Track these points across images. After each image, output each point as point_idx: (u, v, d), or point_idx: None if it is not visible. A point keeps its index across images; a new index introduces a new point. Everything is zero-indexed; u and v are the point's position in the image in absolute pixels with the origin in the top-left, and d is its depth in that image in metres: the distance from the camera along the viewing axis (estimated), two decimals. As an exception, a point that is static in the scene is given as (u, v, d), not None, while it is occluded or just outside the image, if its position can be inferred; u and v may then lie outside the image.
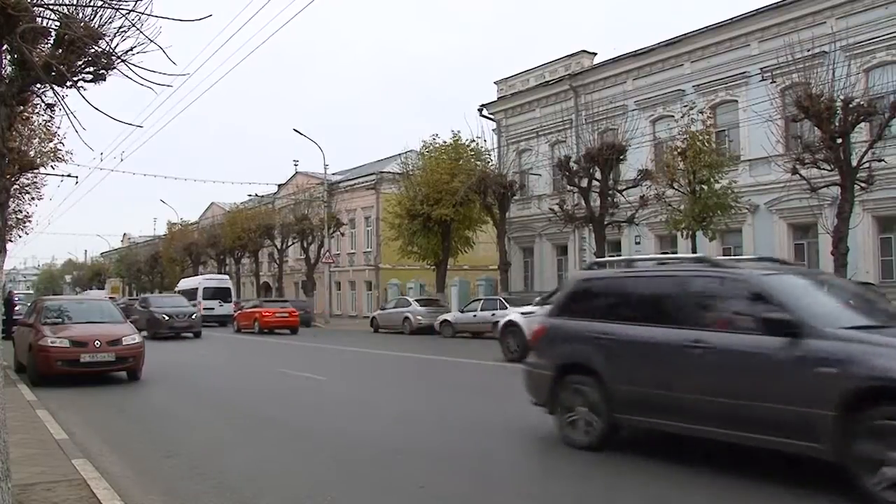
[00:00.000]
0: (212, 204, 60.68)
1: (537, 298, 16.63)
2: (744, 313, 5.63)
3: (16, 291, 42.49)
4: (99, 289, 72.19)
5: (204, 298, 36.37)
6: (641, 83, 27.07)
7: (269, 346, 21.76)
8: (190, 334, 25.50)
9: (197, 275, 47.37)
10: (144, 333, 23.07)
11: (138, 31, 4.24)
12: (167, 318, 24.92)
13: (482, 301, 25.23)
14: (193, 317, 26.00)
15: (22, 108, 5.77)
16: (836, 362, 4.87)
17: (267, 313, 28.67)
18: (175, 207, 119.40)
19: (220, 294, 37.29)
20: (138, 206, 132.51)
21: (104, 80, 4.72)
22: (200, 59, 71.04)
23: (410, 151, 32.32)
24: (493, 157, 30.86)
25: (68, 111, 4.49)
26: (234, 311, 33.29)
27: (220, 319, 34.94)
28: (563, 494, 5.15)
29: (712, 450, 5.72)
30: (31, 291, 58.08)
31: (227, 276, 41.97)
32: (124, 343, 12.00)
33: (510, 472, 5.74)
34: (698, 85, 24.88)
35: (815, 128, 17.00)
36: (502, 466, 5.94)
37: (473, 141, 30.15)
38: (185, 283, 41.07)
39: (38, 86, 4.62)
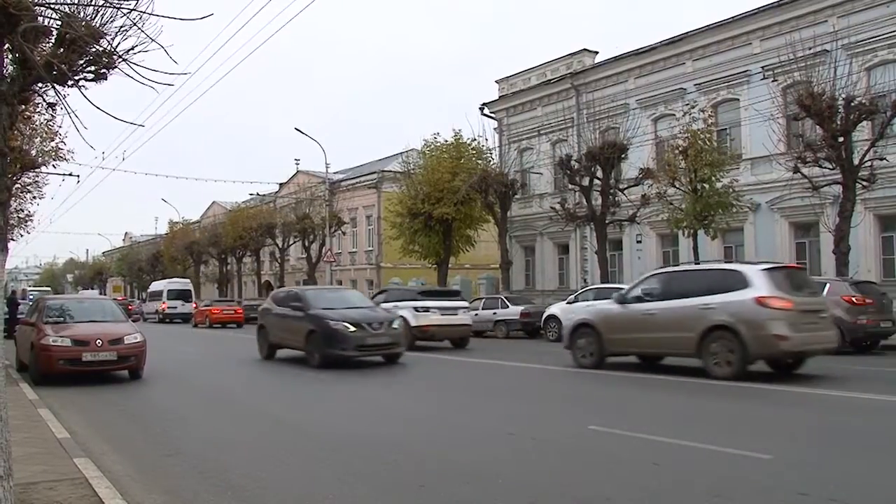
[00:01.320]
0: (213, 203, 60.76)
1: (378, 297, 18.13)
2: None
3: (30, 289, 42.79)
4: (96, 288, 72.85)
5: (168, 299, 42.53)
6: (643, 82, 27.06)
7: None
8: (379, 357, 14.55)
9: (198, 275, 50.80)
10: (297, 352, 14.91)
11: (139, 30, 4.25)
12: (353, 328, 13.80)
13: (483, 300, 25.25)
14: (394, 325, 14.57)
15: (23, 106, 5.78)
16: None
17: (216, 310, 34.90)
18: (176, 206, 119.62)
19: (182, 295, 42.77)
20: (140, 205, 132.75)
21: (105, 79, 4.73)
22: (202, 59, 71.10)
23: (412, 150, 32.33)
24: (494, 156, 30.85)
25: (70, 110, 4.50)
26: (194, 310, 38.89)
27: (182, 316, 40.93)
28: (563, 494, 5.14)
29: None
30: (47, 288, 57.77)
31: (188, 280, 47.02)
32: (126, 342, 12.02)
33: (510, 473, 5.73)
34: (700, 83, 24.87)
35: (817, 126, 17.03)
36: (502, 466, 5.93)
37: (475, 140, 30.21)
38: (155, 286, 46.33)
39: (40, 85, 4.63)
